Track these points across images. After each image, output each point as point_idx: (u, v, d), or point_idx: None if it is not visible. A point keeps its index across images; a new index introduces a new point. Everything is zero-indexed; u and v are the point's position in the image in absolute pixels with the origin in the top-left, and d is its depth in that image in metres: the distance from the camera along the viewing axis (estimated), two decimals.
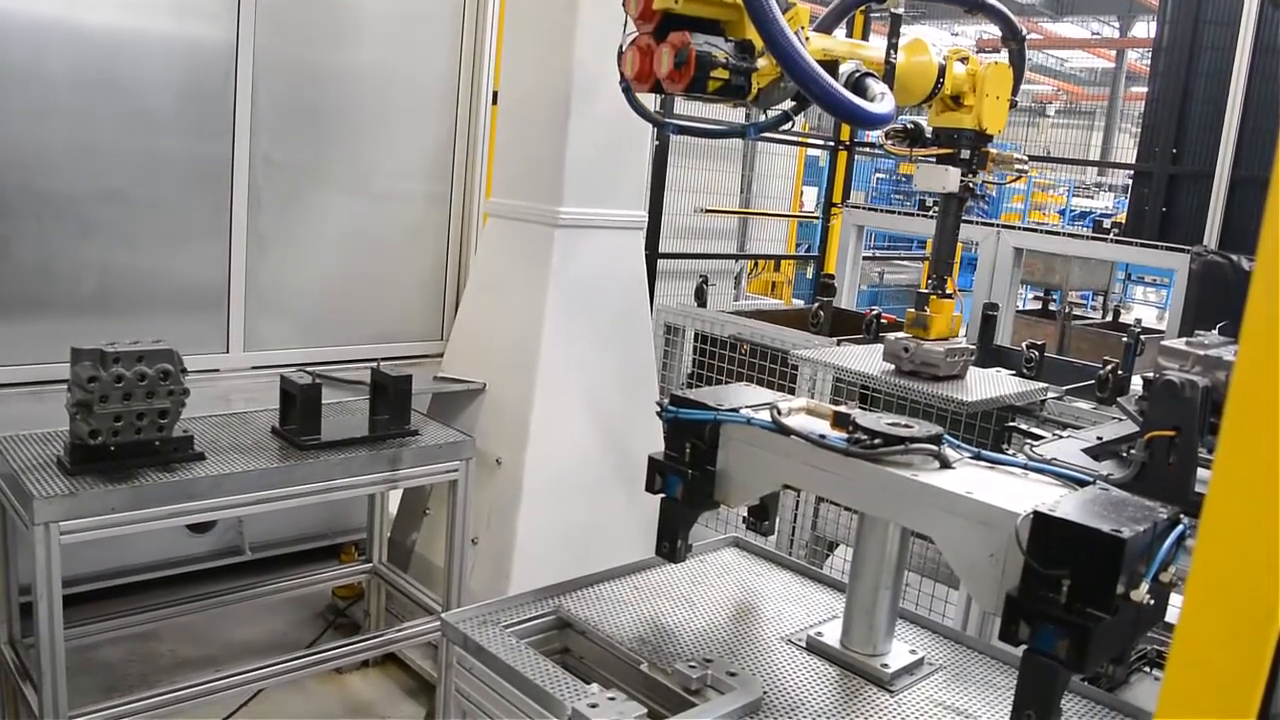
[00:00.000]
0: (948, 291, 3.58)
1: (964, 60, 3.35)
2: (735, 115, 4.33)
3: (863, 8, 3.72)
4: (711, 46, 2.55)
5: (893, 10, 3.08)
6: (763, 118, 2.90)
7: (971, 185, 3.38)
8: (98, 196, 4.10)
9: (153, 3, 4.11)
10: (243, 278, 4.54)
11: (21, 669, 3.39)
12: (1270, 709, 1.04)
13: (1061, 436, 3.11)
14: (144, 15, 4.08)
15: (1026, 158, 3.64)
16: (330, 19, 4.65)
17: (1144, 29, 21.72)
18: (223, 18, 4.28)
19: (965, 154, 3.34)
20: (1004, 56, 3.54)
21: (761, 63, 2.61)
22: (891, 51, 2.97)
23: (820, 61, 2.54)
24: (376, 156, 4.92)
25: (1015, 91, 3.44)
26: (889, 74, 2.93)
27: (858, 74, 2.71)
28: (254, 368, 4.62)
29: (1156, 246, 5.96)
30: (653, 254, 6.34)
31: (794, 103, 2.80)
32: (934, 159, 3.34)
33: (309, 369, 3.99)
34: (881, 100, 2.64)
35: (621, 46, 2.70)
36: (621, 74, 2.72)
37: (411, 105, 4.98)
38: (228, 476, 3.24)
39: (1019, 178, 3.63)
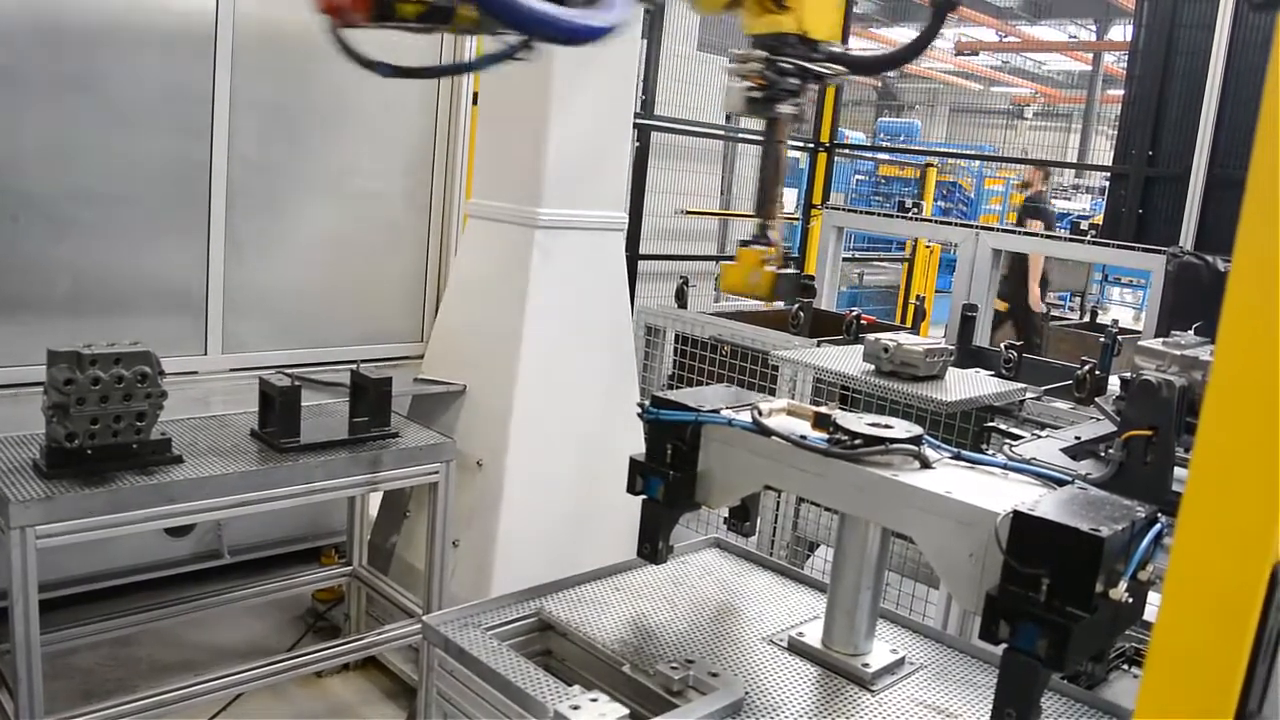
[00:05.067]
0: (769, 238, 2.80)
1: None
2: None
3: None
4: None
5: None
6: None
7: (796, 108, 2.72)
8: (74, 196, 4.06)
9: (132, 2, 4.08)
10: (221, 279, 4.51)
11: None
12: (1247, 704, 1.05)
13: (1040, 436, 3.13)
14: (123, 14, 4.05)
15: (847, 71, 2.87)
16: (311, 18, 4.62)
17: (1121, 32, 21.87)
18: (201, 18, 4.25)
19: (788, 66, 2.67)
20: None
21: None
22: None
23: None
24: (356, 157, 4.90)
25: None
26: None
27: None
28: (232, 370, 4.58)
29: (1133, 248, 5.99)
30: (633, 255, 6.35)
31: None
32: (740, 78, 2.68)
33: (288, 371, 3.97)
34: (604, 7, 2.22)
35: None
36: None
37: (391, 106, 4.96)
38: (206, 479, 3.22)
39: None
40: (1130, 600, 1.69)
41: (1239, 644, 1.03)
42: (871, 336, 4.08)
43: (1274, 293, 0.98)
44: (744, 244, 2.71)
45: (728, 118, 9.60)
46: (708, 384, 4.91)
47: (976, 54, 25.19)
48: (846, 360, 4.15)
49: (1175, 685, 1.07)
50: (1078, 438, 2.96)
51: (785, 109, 2.68)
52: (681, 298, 5.56)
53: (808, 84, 2.70)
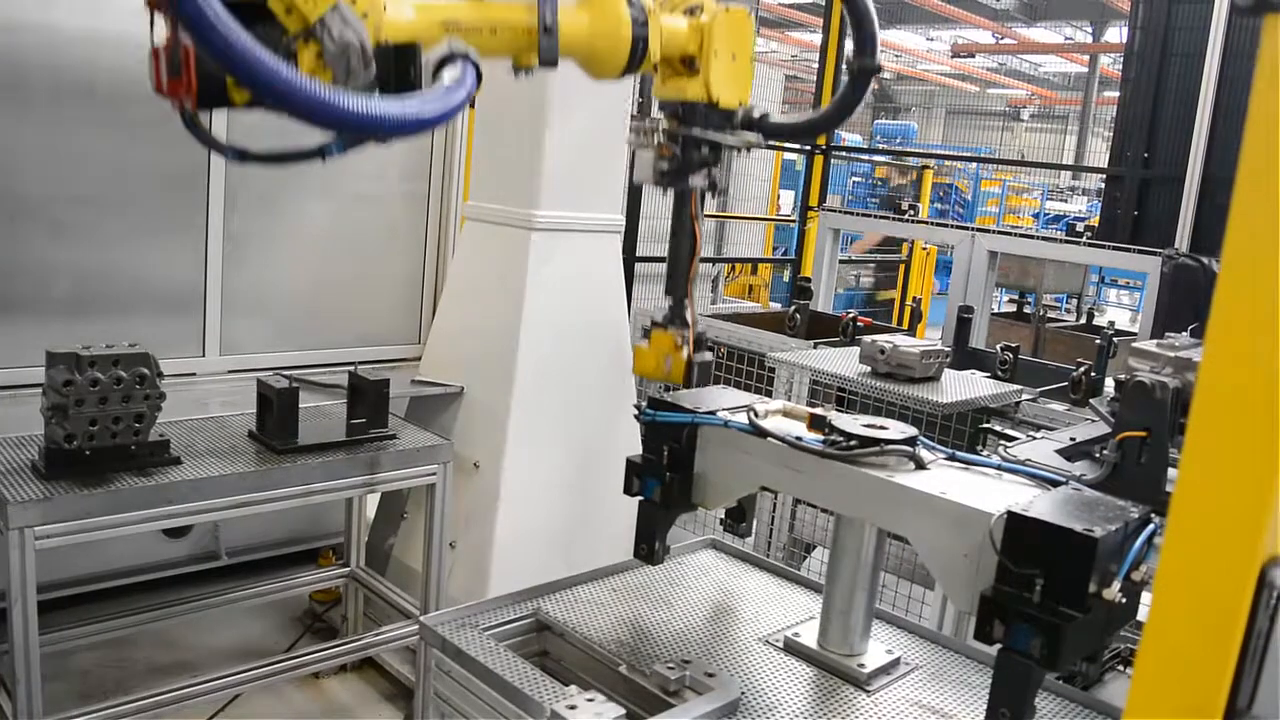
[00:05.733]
0: (684, 319, 2.60)
1: (693, 10, 2.60)
2: None
3: None
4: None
5: None
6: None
7: (713, 174, 2.62)
8: (73, 199, 4.06)
9: (128, 5, 4.08)
10: (219, 281, 4.52)
11: None
12: (1236, 703, 1.06)
13: (1035, 438, 3.14)
14: (120, 18, 4.05)
15: (760, 140, 2.72)
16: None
17: (1117, 34, 21.91)
18: None
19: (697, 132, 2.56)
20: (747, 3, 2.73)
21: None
22: (548, 11, 2.28)
23: (403, 42, 2.00)
24: (353, 160, 4.88)
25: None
26: (548, 40, 2.28)
27: (450, 58, 2.04)
28: (230, 371, 4.59)
29: (1129, 249, 6.02)
30: (630, 257, 6.35)
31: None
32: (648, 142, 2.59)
33: (286, 372, 3.97)
34: (433, 97, 1.92)
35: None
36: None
37: None
38: (204, 481, 3.23)
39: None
40: (1124, 600, 1.71)
41: (1227, 643, 1.04)
42: (868, 338, 4.09)
43: (1263, 293, 0.99)
44: (656, 325, 2.55)
45: None
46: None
47: (973, 56, 25.22)
48: (843, 362, 4.17)
49: (1164, 684, 1.08)
50: (1072, 439, 2.97)
51: (697, 181, 2.60)
52: None
53: (720, 154, 2.60)
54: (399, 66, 2.00)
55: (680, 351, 2.52)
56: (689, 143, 2.54)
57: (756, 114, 2.66)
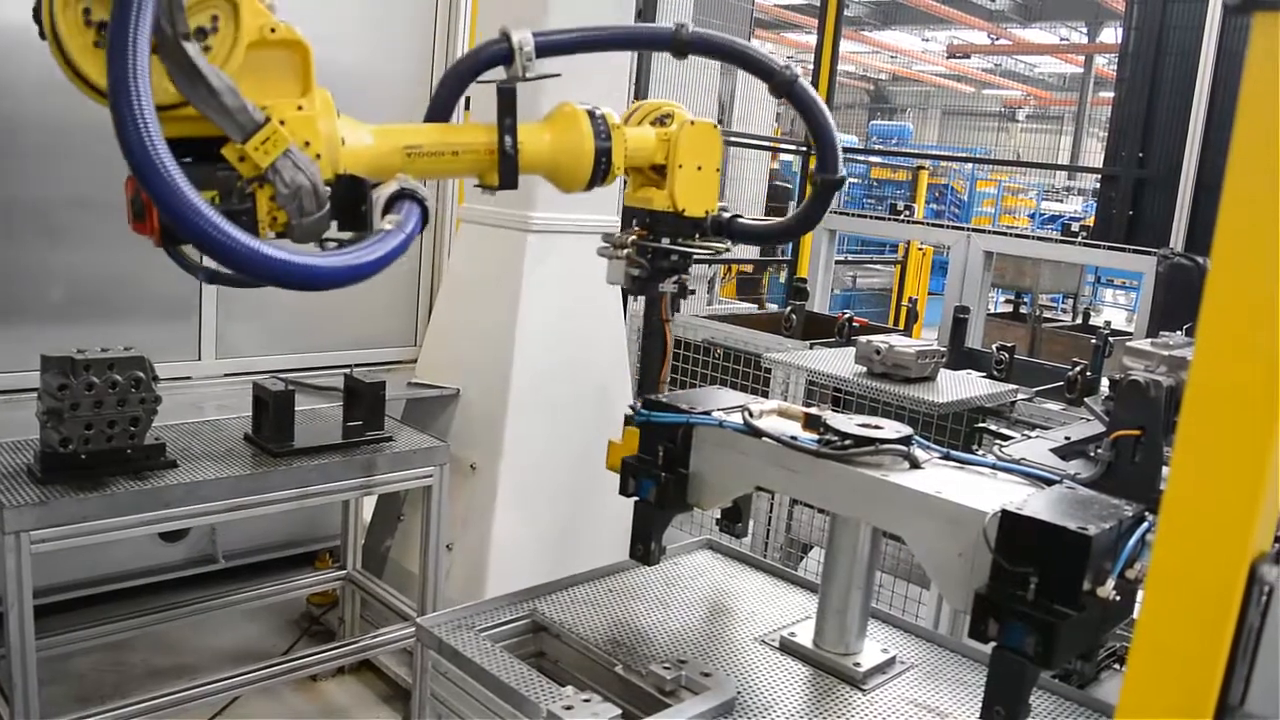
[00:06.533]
0: (642, 412, 2.40)
1: (663, 120, 2.67)
2: None
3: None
4: None
5: (500, 84, 2.38)
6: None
7: (682, 280, 2.68)
8: (67, 202, 4.06)
9: None
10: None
11: None
12: (1228, 699, 1.07)
13: (1030, 437, 3.15)
14: None
15: (728, 245, 2.81)
16: (303, 19, 4.63)
17: (1112, 34, 21.96)
18: None
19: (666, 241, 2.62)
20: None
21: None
22: (507, 137, 2.33)
23: (353, 178, 2.05)
24: None
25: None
26: (507, 164, 2.34)
27: (400, 195, 2.06)
28: (226, 375, 4.59)
29: (1124, 249, 6.03)
30: None
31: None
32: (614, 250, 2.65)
33: (282, 375, 3.98)
34: (370, 244, 1.91)
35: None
36: None
37: (384, 108, 4.96)
38: (200, 484, 3.23)
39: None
40: (1119, 598, 1.71)
41: (1219, 640, 1.04)
42: (864, 339, 4.10)
43: (1253, 290, 0.99)
44: (630, 421, 2.54)
45: (720, 120, 9.63)
46: (701, 386, 4.93)
47: (968, 57, 25.28)
48: (839, 362, 4.17)
49: (1157, 681, 1.08)
50: (1067, 438, 2.98)
51: (667, 287, 2.67)
52: (674, 302, 5.56)
53: (689, 260, 2.65)
54: (347, 200, 2.05)
55: None
56: (658, 252, 2.62)
57: (727, 216, 2.75)
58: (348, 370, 3.98)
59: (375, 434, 3.75)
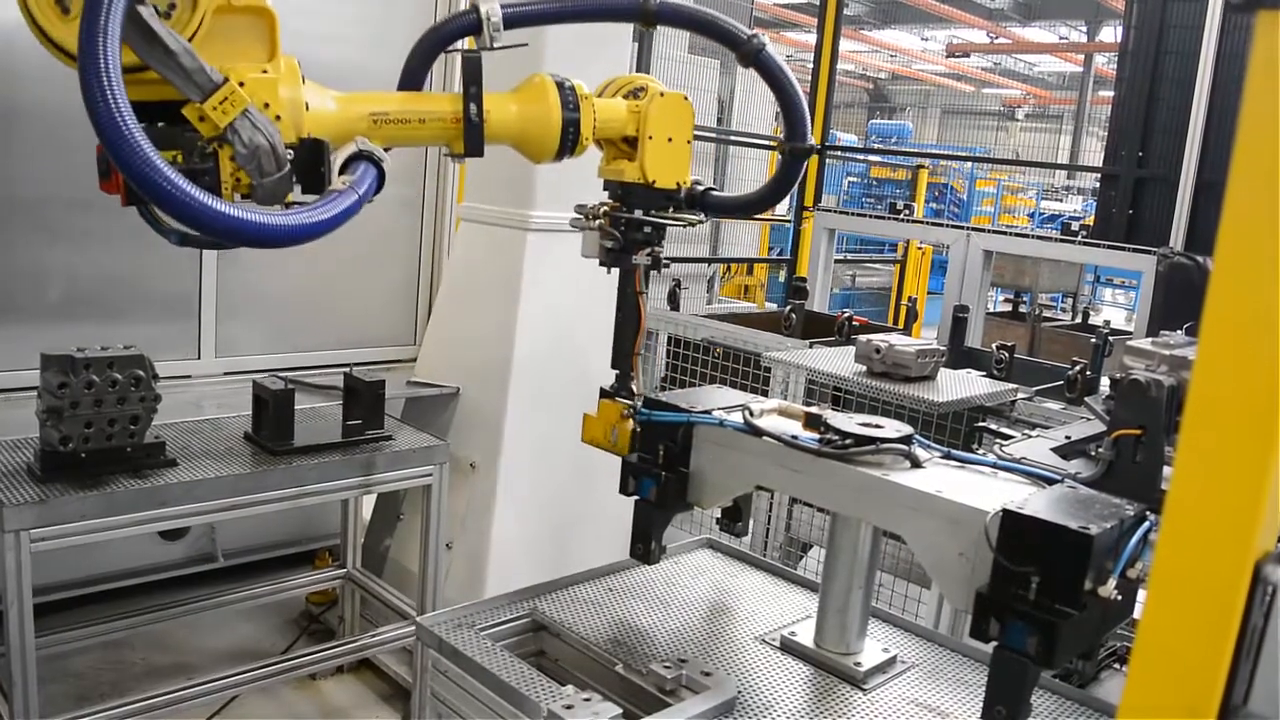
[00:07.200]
0: (630, 390, 2.63)
1: (636, 93, 2.71)
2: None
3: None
4: None
5: (465, 53, 2.39)
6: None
7: (655, 252, 2.68)
8: (67, 201, 4.06)
9: None
10: (214, 282, 4.52)
11: None
12: (1231, 700, 1.07)
13: (1031, 436, 3.14)
14: None
15: (702, 218, 2.85)
16: (301, 18, 4.62)
17: (1112, 33, 21.95)
18: None
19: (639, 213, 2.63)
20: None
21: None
22: (473, 105, 2.35)
23: (313, 140, 2.07)
24: None
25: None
26: (473, 132, 2.36)
27: (358, 155, 2.15)
28: (226, 373, 4.59)
29: (1124, 248, 6.02)
30: None
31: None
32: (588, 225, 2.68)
33: (281, 374, 3.97)
34: (322, 204, 1.98)
35: None
36: None
37: None
38: (200, 483, 3.22)
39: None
40: (1120, 598, 1.71)
41: (1222, 640, 1.04)
42: (863, 338, 4.09)
43: (1256, 291, 0.99)
44: (605, 395, 2.63)
45: (720, 119, 9.63)
46: (700, 385, 4.92)
47: (968, 56, 25.26)
48: (838, 361, 4.16)
49: (1159, 681, 1.08)
50: (1068, 437, 2.97)
51: (640, 259, 2.68)
52: (674, 300, 5.57)
53: (663, 232, 2.68)
54: (308, 163, 2.08)
55: (626, 422, 2.56)
56: (630, 224, 2.64)
57: (700, 188, 2.76)
58: (347, 369, 3.97)
59: (375, 433, 3.75)
